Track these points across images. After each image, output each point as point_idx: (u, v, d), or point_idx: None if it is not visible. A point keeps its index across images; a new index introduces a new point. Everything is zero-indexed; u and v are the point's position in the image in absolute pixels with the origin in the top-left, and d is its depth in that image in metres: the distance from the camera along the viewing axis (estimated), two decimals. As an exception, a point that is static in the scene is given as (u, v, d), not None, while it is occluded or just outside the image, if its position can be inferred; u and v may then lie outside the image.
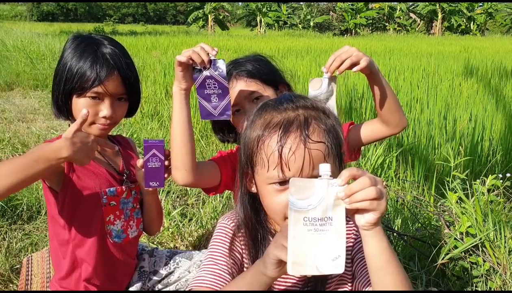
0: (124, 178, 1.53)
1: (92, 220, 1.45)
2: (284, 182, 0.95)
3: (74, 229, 1.44)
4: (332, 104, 1.34)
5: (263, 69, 1.48)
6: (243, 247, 1.12)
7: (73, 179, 1.40)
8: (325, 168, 0.82)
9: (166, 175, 1.41)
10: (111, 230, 1.49)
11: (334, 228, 0.81)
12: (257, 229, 1.10)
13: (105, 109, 1.39)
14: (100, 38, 1.44)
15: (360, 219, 0.83)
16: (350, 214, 0.84)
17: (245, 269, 1.11)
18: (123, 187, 1.51)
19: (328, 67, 1.29)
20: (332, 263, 0.81)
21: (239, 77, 1.45)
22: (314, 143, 0.93)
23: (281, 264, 0.87)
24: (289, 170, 0.94)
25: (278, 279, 1.10)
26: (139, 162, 1.44)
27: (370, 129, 1.49)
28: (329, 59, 1.30)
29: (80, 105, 1.37)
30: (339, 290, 1.11)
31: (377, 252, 0.85)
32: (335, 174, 0.83)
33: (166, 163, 1.40)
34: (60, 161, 1.20)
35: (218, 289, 1.03)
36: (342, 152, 1.00)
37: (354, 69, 1.27)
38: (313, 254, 0.81)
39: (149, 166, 1.38)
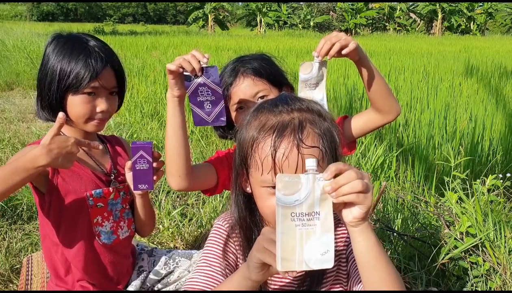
0: (111, 178, 1.52)
1: (78, 222, 1.44)
2: None
3: (61, 231, 1.44)
4: (322, 89, 1.36)
5: (269, 69, 1.48)
6: (237, 248, 1.11)
7: (58, 182, 1.39)
8: (311, 163, 0.82)
9: (155, 177, 1.39)
10: (99, 231, 1.48)
11: (321, 223, 0.81)
12: (251, 229, 1.10)
13: (101, 103, 1.41)
14: (82, 35, 1.45)
15: (347, 215, 0.83)
16: (337, 210, 0.84)
17: None
18: (110, 189, 1.49)
19: (319, 51, 1.30)
20: (321, 258, 0.81)
21: (246, 75, 1.44)
22: (308, 148, 0.92)
23: (265, 267, 0.86)
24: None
25: (273, 278, 1.10)
26: (128, 164, 1.44)
27: (363, 120, 1.49)
28: (319, 43, 1.31)
29: (77, 102, 1.38)
30: (334, 290, 1.11)
31: (366, 249, 0.85)
32: None
33: (155, 164, 1.38)
34: (38, 169, 1.18)
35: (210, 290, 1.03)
36: (339, 154, 0.99)
37: (343, 51, 1.28)
38: (302, 249, 0.81)
39: (137, 168, 1.36)
